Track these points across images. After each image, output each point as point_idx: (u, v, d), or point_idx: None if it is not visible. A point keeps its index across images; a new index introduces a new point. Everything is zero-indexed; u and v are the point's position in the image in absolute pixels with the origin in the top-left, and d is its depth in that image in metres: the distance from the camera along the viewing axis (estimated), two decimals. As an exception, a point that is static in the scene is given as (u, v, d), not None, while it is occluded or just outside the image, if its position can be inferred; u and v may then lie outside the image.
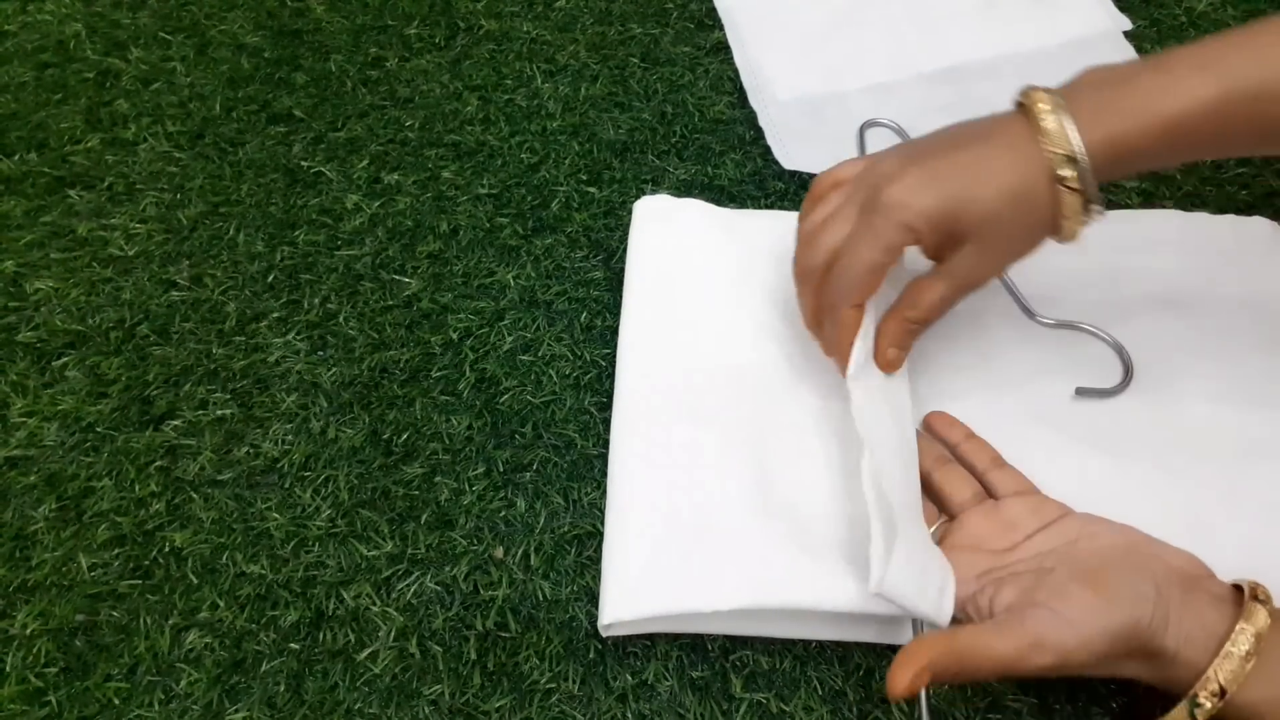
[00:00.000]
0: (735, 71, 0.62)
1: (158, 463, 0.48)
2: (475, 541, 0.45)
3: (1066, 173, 0.39)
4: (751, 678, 0.42)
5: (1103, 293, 0.49)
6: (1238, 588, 0.37)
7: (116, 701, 0.41)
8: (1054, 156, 0.39)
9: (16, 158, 0.59)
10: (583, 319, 0.52)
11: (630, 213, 0.54)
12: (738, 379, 0.48)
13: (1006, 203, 0.40)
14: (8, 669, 0.42)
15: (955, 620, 0.39)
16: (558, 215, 0.56)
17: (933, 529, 0.43)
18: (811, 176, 0.57)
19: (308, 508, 0.46)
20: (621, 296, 0.51)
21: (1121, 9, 0.65)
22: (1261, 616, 0.35)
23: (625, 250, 0.53)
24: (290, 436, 0.48)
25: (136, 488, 0.47)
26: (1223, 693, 0.34)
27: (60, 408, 0.49)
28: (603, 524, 0.45)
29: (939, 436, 0.47)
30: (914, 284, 0.43)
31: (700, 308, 0.50)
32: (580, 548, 0.45)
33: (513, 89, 0.62)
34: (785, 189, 0.57)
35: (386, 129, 0.60)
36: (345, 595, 0.44)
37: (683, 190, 0.57)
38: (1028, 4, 0.65)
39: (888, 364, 0.44)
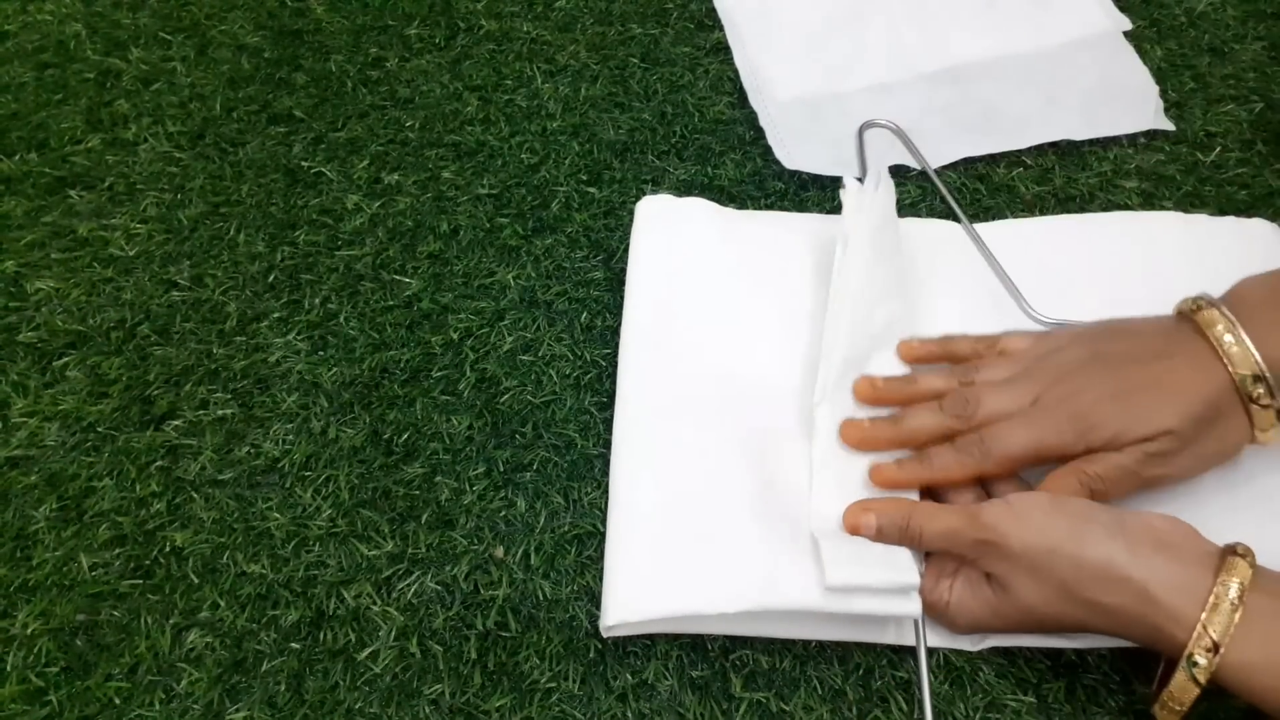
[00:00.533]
0: (735, 72, 0.62)
1: (158, 462, 0.48)
2: (475, 541, 0.45)
3: (1258, 390, 0.40)
4: (751, 677, 0.42)
5: (1103, 293, 0.49)
6: (1227, 548, 0.37)
7: (117, 701, 0.42)
8: (1243, 378, 0.40)
9: (17, 158, 0.59)
10: (583, 319, 0.52)
11: (630, 213, 0.54)
12: (740, 380, 0.48)
13: (1199, 428, 0.41)
14: (8, 668, 0.42)
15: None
16: (558, 215, 0.56)
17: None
18: (813, 176, 0.57)
19: (308, 507, 0.46)
20: (621, 296, 0.51)
21: (1121, 9, 0.65)
22: (1242, 567, 0.36)
23: (625, 250, 0.53)
24: (291, 436, 0.48)
25: (137, 487, 0.47)
26: (1216, 648, 0.35)
27: (61, 408, 0.49)
28: (603, 524, 0.45)
29: None
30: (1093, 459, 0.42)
31: (703, 309, 0.50)
32: (580, 547, 0.45)
33: (513, 89, 0.62)
34: (785, 189, 0.57)
35: (387, 129, 0.60)
36: (346, 595, 0.44)
37: (683, 190, 0.57)
38: (1027, 4, 0.65)
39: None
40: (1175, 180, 0.57)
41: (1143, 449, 0.41)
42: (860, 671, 0.42)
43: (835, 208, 0.56)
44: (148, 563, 0.45)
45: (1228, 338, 0.41)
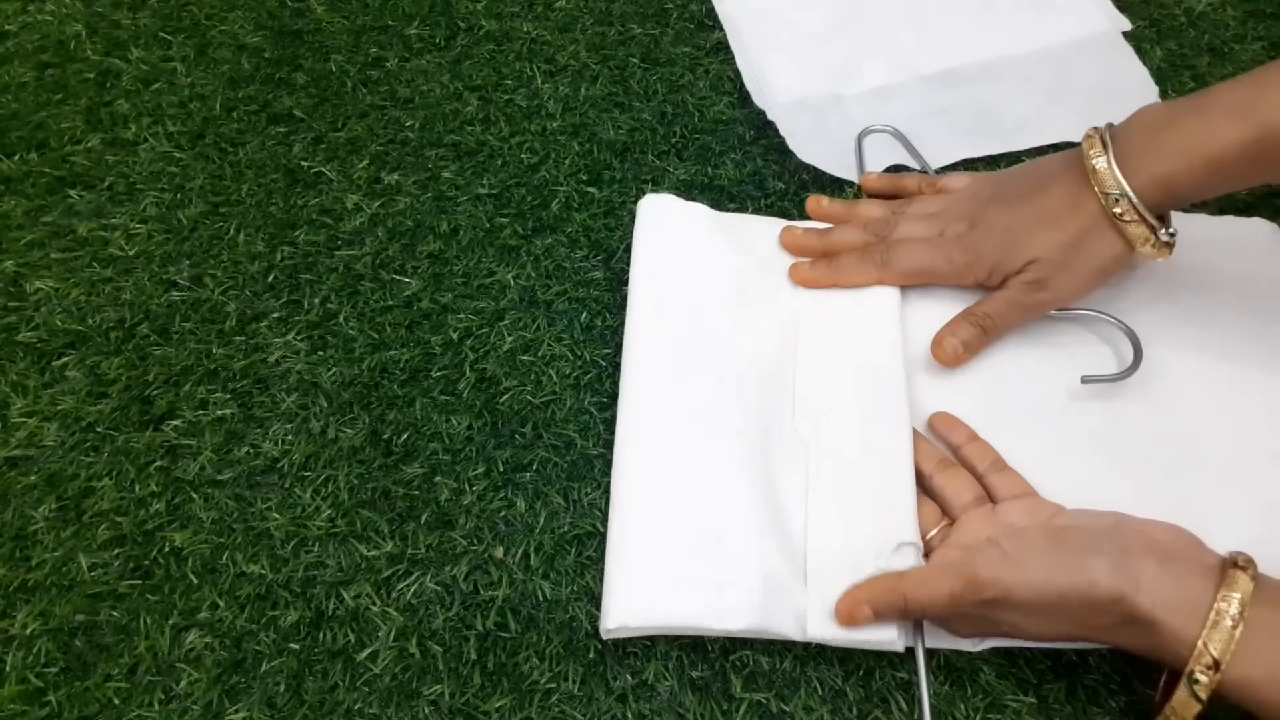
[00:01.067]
0: (735, 72, 0.62)
1: (158, 463, 0.48)
2: (475, 541, 0.45)
3: (1120, 209, 0.44)
4: (751, 678, 0.42)
5: (1102, 293, 0.49)
6: (1228, 559, 0.37)
7: (116, 701, 0.41)
8: (1106, 197, 0.44)
9: (17, 158, 0.59)
10: (583, 319, 0.52)
11: (630, 213, 0.54)
12: (744, 385, 0.48)
13: (1068, 251, 0.46)
14: (8, 669, 0.42)
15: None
16: (558, 215, 0.56)
17: (933, 532, 0.43)
18: (813, 177, 0.57)
19: (308, 508, 0.46)
20: (621, 296, 0.51)
21: (1120, 9, 0.65)
22: (1243, 581, 0.35)
23: (625, 250, 0.53)
24: (290, 436, 0.48)
25: (136, 488, 0.47)
26: (1217, 665, 0.34)
27: (60, 408, 0.49)
28: (603, 524, 0.45)
29: (942, 437, 0.47)
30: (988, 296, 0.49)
31: (706, 312, 0.50)
32: (580, 547, 0.45)
33: (513, 89, 0.62)
34: (785, 189, 0.57)
35: (387, 129, 0.60)
36: (345, 595, 0.44)
37: (683, 190, 0.57)
38: (1026, 5, 0.65)
39: (949, 357, 0.48)
40: (1175, 181, 0.57)
41: (1019, 279, 0.47)
42: (860, 672, 0.42)
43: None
44: (147, 563, 0.45)
45: (1099, 160, 0.44)
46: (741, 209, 0.56)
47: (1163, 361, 0.49)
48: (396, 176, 0.58)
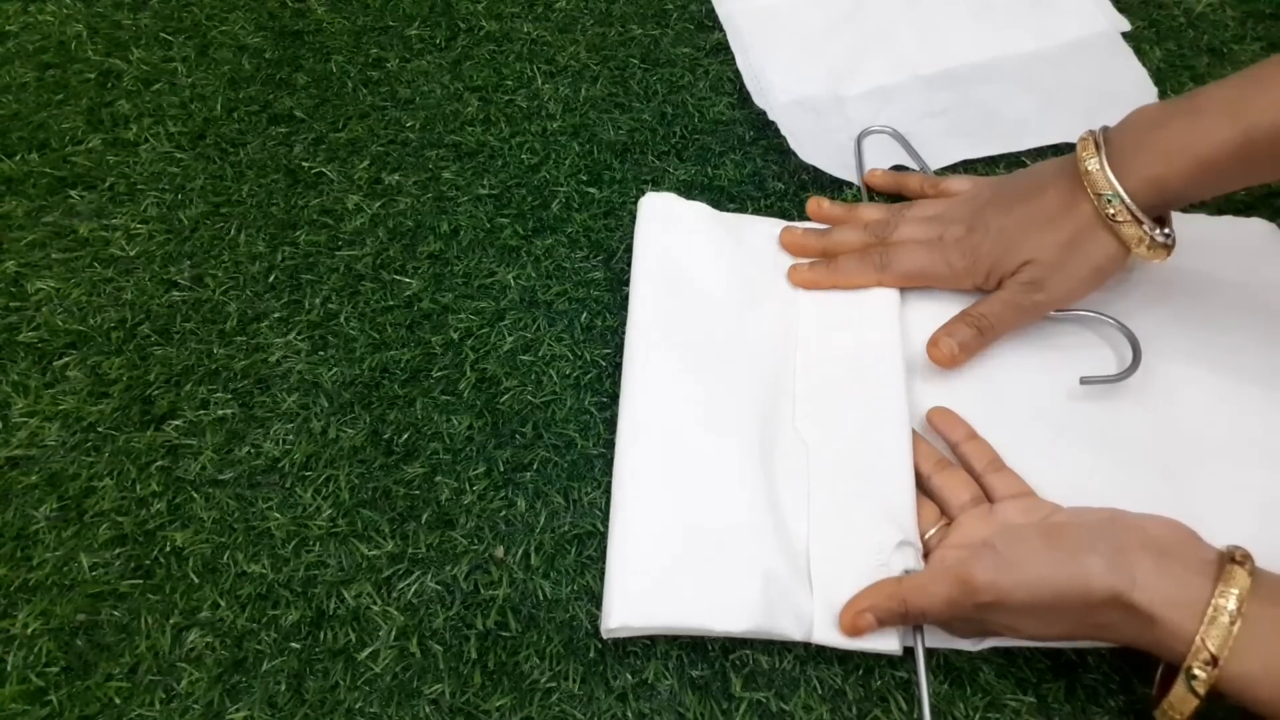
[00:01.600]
0: (735, 72, 0.62)
1: (159, 462, 0.48)
2: (476, 541, 0.45)
3: (1113, 210, 0.44)
4: (751, 677, 0.42)
5: (1101, 294, 0.49)
6: (1225, 554, 0.37)
7: (117, 701, 0.42)
8: (1099, 198, 0.44)
9: (18, 158, 0.59)
10: (583, 319, 0.52)
11: (630, 213, 0.54)
12: (745, 385, 0.48)
13: (1064, 252, 0.46)
14: (9, 668, 0.42)
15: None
16: (558, 216, 0.56)
17: (932, 531, 0.43)
18: (813, 177, 0.57)
19: (309, 507, 0.46)
20: (622, 296, 0.51)
21: (1120, 9, 0.65)
22: (1240, 576, 0.35)
23: (625, 250, 0.53)
24: (291, 436, 0.48)
25: (138, 487, 0.47)
26: (1214, 661, 0.34)
27: (61, 408, 0.49)
28: (603, 523, 0.45)
29: (940, 433, 0.47)
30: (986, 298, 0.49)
31: (708, 312, 0.50)
32: (580, 547, 0.45)
33: (513, 90, 0.62)
34: (785, 189, 0.57)
35: (387, 130, 0.60)
36: (346, 595, 0.44)
37: (683, 190, 0.57)
38: (1026, 6, 0.65)
39: (945, 358, 0.48)
40: (1174, 181, 0.57)
41: (1015, 280, 0.47)
42: (860, 671, 0.42)
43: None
44: (148, 563, 0.45)
45: (1091, 162, 0.45)
46: (741, 209, 0.56)
47: (1162, 362, 0.49)
48: (397, 177, 0.58)
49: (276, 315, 0.53)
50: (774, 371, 0.48)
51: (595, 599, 0.43)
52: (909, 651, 0.42)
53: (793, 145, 0.57)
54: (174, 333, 0.52)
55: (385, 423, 0.49)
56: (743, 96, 0.61)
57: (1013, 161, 0.58)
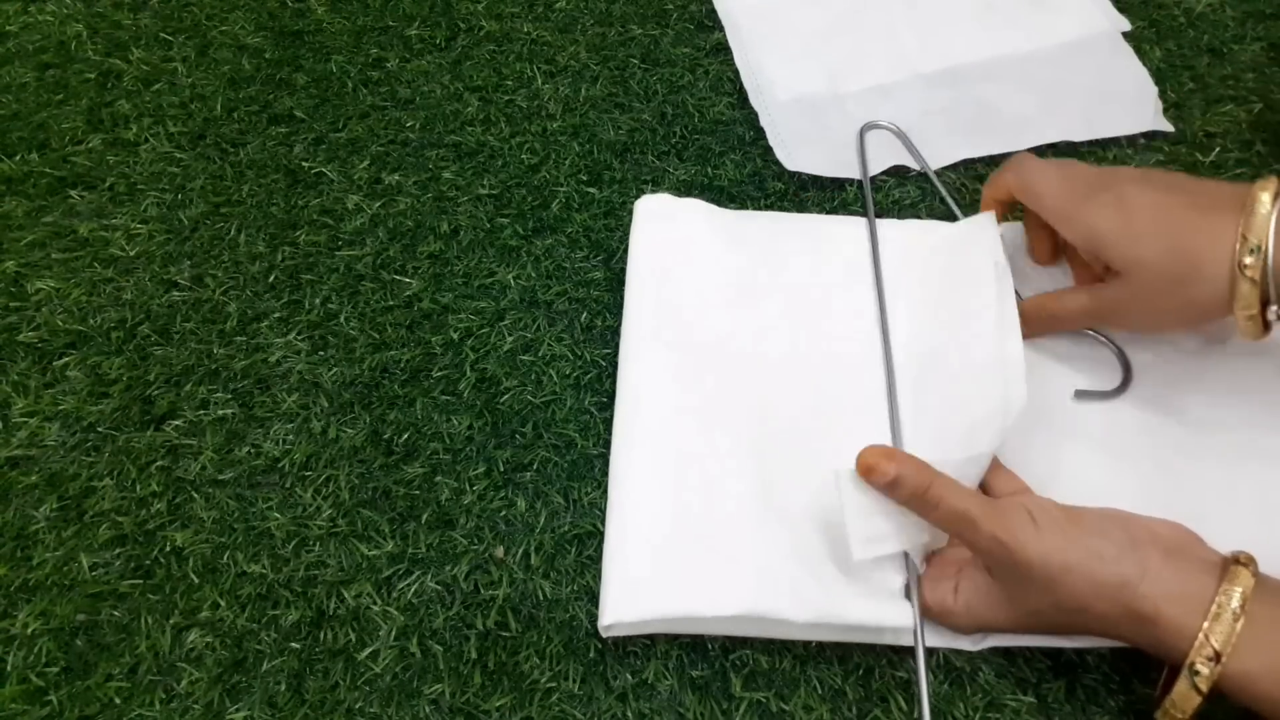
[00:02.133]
0: (735, 72, 0.62)
1: (159, 462, 0.48)
2: (476, 541, 0.45)
3: (1247, 260, 0.39)
4: (751, 677, 0.42)
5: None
6: (1230, 557, 0.37)
7: (117, 701, 0.42)
8: (1244, 240, 0.39)
9: (18, 158, 0.59)
10: (583, 319, 0.52)
11: (630, 213, 0.54)
12: (741, 381, 0.48)
13: (1170, 258, 0.41)
14: (9, 668, 0.42)
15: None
16: (558, 216, 0.56)
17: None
18: (812, 177, 0.57)
19: (309, 507, 0.46)
20: (622, 296, 0.51)
21: (1120, 9, 0.65)
22: (1244, 576, 0.36)
23: (625, 250, 0.53)
24: (291, 436, 0.48)
25: (138, 487, 0.47)
26: (1218, 657, 0.34)
27: (61, 408, 0.49)
28: (603, 523, 0.45)
29: None
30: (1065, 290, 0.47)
31: (704, 309, 0.50)
32: (580, 547, 0.45)
33: (513, 90, 0.62)
34: (785, 189, 0.57)
35: (387, 130, 0.60)
36: (346, 595, 0.44)
37: (683, 190, 0.57)
38: (1026, 5, 0.65)
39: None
40: (1174, 181, 0.57)
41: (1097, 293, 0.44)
42: (860, 671, 0.42)
43: (835, 208, 0.56)
44: (148, 563, 0.45)
45: (1265, 200, 0.39)
46: (741, 209, 0.56)
47: (1163, 362, 0.49)
48: (397, 177, 0.58)
49: (276, 315, 0.53)
50: (769, 365, 0.48)
51: (595, 599, 0.43)
52: (909, 651, 0.42)
53: (780, 156, 0.57)
54: (174, 333, 0.52)
55: (385, 423, 0.49)
56: (742, 96, 0.61)
57: (1013, 161, 0.58)
